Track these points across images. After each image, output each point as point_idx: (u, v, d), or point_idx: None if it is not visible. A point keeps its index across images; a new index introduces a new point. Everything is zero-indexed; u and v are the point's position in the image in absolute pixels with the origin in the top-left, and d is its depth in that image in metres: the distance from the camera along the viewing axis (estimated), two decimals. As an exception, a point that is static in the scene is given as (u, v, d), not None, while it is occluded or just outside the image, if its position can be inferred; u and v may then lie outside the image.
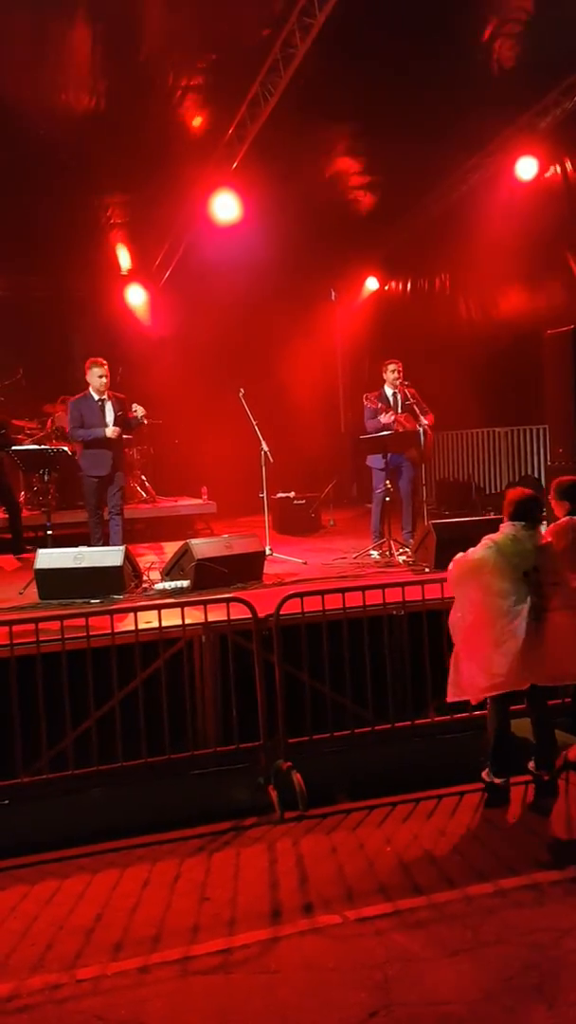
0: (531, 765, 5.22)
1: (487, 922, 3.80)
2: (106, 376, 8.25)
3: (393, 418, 8.73)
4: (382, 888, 4.13)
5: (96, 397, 8.24)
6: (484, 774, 5.14)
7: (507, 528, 5.09)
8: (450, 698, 5.11)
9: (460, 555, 5.14)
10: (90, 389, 8.28)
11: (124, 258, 14.23)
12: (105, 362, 8.33)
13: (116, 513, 8.40)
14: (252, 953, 3.67)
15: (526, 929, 3.72)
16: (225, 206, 11.05)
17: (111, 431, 8.10)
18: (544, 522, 5.75)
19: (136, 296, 14.58)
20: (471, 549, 5.11)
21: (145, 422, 8.45)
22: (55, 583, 6.87)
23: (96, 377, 8.23)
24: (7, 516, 9.74)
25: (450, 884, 4.13)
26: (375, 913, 3.90)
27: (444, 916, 3.87)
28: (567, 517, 5.45)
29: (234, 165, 10.86)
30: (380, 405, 8.84)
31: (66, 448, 8.75)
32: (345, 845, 4.59)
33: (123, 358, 12.15)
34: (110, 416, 8.22)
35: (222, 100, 9.94)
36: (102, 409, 8.23)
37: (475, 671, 4.93)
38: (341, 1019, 3.21)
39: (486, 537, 5.10)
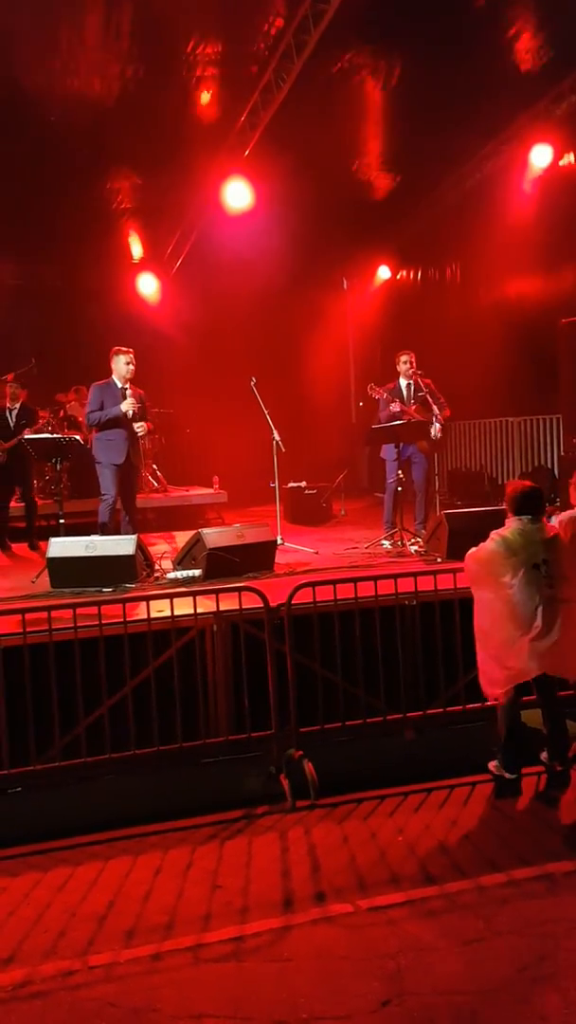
0: (543, 756, 5.21)
1: (500, 912, 3.79)
2: (133, 364, 8.21)
3: (400, 408, 8.69)
4: (394, 877, 4.13)
5: (119, 384, 8.20)
6: (492, 766, 5.13)
7: (513, 523, 5.06)
8: (489, 699, 5.12)
9: (471, 551, 5.13)
10: (113, 376, 8.24)
11: (136, 247, 14.21)
12: (131, 351, 8.29)
13: (134, 501, 8.38)
14: (264, 941, 3.67)
15: (539, 919, 3.71)
16: (237, 194, 11.02)
17: (127, 404, 8.02)
18: (557, 511, 5.72)
19: (147, 285, 14.57)
20: (480, 545, 5.09)
21: (142, 434, 8.41)
22: (68, 572, 6.88)
23: (123, 364, 8.15)
24: (23, 504, 9.77)
25: (462, 874, 4.12)
26: (387, 902, 3.89)
27: (456, 906, 3.86)
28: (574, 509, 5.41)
29: (246, 152, 10.81)
30: (386, 396, 8.80)
31: (78, 437, 8.74)
32: (357, 834, 4.58)
33: (134, 348, 12.11)
34: (129, 402, 8.20)
35: (235, 86, 9.91)
36: (123, 396, 8.20)
37: (493, 665, 4.94)
38: (353, 1008, 3.21)
39: (493, 532, 5.09)
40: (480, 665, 5.05)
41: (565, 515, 5.42)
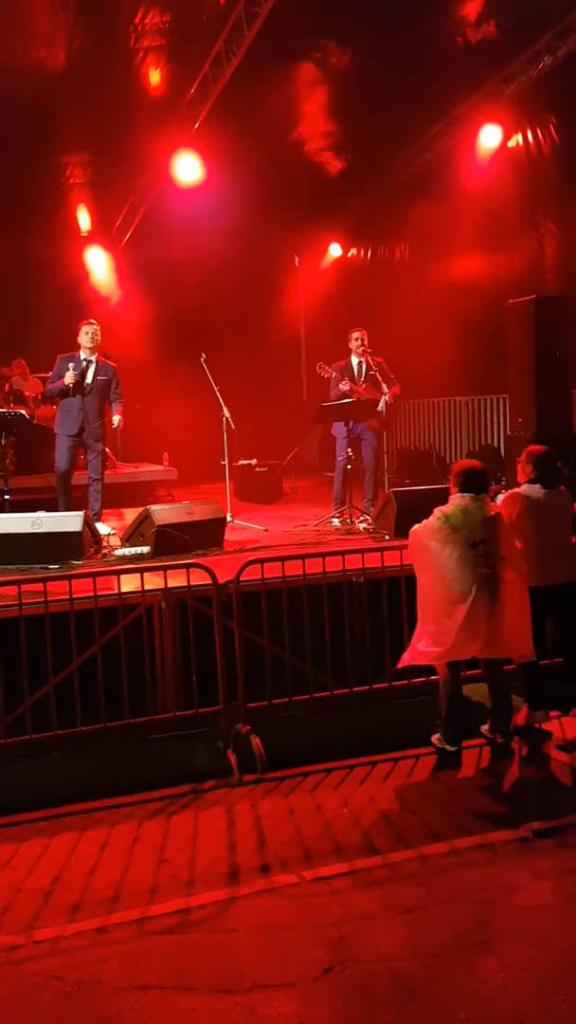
0: (485, 728, 5.32)
1: (441, 881, 3.87)
2: (96, 335, 8.19)
3: (349, 387, 8.72)
4: (338, 848, 4.19)
5: (83, 356, 8.17)
6: (435, 739, 5.23)
7: (456, 500, 5.13)
8: (400, 664, 5.22)
9: (413, 528, 5.20)
10: (81, 349, 8.21)
11: (84, 220, 13.97)
12: (95, 323, 8.28)
13: (95, 479, 8.34)
14: (209, 913, 3.71)
15: (478, 887, 3.81)
16: (187, 167, 10.90)
17: (69, 376, 8.00)
18: (503, 490, 5.80)
19: (96, 259, 14.34)
20: (423, 521, 5.16)
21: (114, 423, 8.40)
22: (12, 548, 6.79)
23: (84, 335, 8.20)
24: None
25: (405, 844, 4.20)
26: (331, 873, 3.96)
27: (399, 875, 3.94)
28: (525, 485, 5.49)
29: (196, 125, 10.68)
30: (336, 374, 8.82)
31: (23, 412, 8.63)
32: (303, 807, 4.64)
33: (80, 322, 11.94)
34: (89, 376, 8.15)
35: (184, 58, 9.77)
36: (83, 369, 8.14)
37: (427, 640, 5.02)
38: (297, 976, 3.27)
39: (436, 509, 5.15)
40: (414, 638, 5.12)
41: (508, 494, 5.51)
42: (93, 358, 8.20)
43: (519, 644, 5.07)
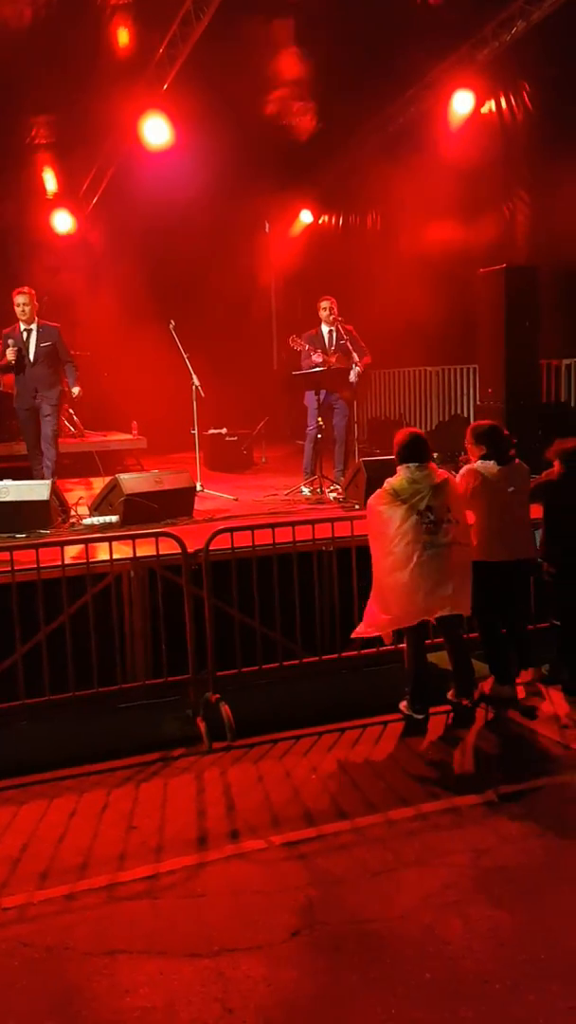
0: (450, 694, 5.37)
1: (408, 844, 3.93)
2: (28, 305, 8.00)
3: (322, 358, 8.67)
4: (307, 814, 4.23)
5: (22, 326, 8.03)
6: (402, 706, 5.29)
7: (401, 471, 5.20)
8: (354, 634, 5.30)
9: (369, 499, 5.24)
10: (19, 320, 8.06)
11: (50, 182, 13.67)
12: (27, 290, 8.06)
13: (44, 440, 8.22)
14: (179, 879, 3.73)
15: (445, 850, 3.87)
16: (155, 130, 10.67)
17: (10, 353, 7.90)
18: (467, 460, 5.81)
19: (62, 222, 14.06)
20: (375, 492, 5.19)
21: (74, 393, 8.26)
22: (-21, 517, 6.72)
23: (15, 306, 8.01)
24: None
25: (373, 809, 4.25)
26: (299, 838, 4.00)
27: (366, 839, 3.99)
28: (479, 462, 5.51)
29: (165, 87, 10.47)
30: (308, 347, 8.76)
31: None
32: (272, 773, 4.67)
33: (48, 287, 11.72)
34: (32, 346, 8.00)
35: (152, 16, 9.55)
36: (25, 338, 8.02)
37: (376, 608, 5.12)
38: (265, 939, 3.31)
39: (386, 480, 5.20)
40: (368, 607, 5.20)
41: (464, 469, 5.54)
42: (33, 326, 8.05)
43: (456, 600, 5.09)
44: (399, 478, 5.15)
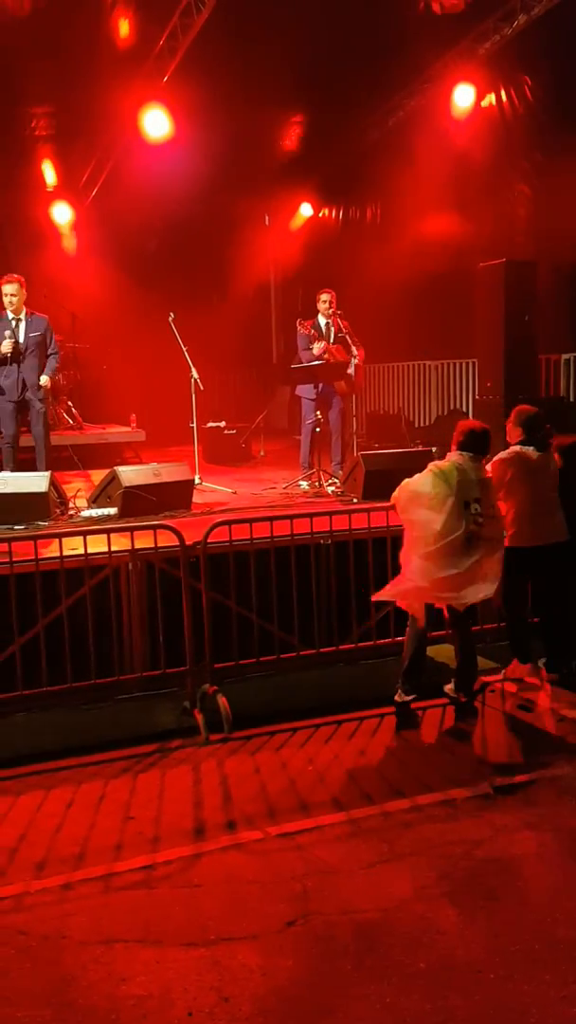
0: (448, 688, 5.39)
1: (403, 836, 3.95)
2: (17, 295, 7.89)
3: (323, 348, 8.67)
4: (303, 805, 4.25)
5: (10, 316, 7.92)
6: (396, 696, 5.30)
7: (454, 456, 5.16)
8: (376, 596, 5.22)
9: (405, 480, 5.20)
10: (6, 310, 7.97)
11: (50, 174, 13.65)
12: (16, 278, 7.93)
13: (38, 438, 8.16)
14: (175, 869, 3.75)
15: (440, 842, 3.88)
16: (155, 122, 10.62)
17: (6, 345, 7.81)
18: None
19: (62, 214, 14.04)
20: (416, 475, 5.16)
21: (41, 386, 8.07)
22: (-23, 509, 6.72)
23: (4, 295, 7.87)
24: None
25: (369, 800, 4.27)
26: (295, 829, 4.02)
27: (362, 831, 4.01)
28: (516, 447, 5.53)
29: (165, 79, 10.44)
30: (313, 332, 8.77)
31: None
32: (268, 765, 4.69)
33: (48, 279, 11.71)
34: (21, 336, 7.92)
35: (153, 8, 9.51)
36: (13, 328, 7.92)
37: (405, 579, 5.05)
38: (260, 928, 3.33)
39: (432, 463, 5.17)
40: (401, 584, 5.10)
41: (506, 453, 5.54)
42: (22, 315, 7.92)
43: (486, 589, 5.13)
44: (448, 463, 5.11)
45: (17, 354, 7.82)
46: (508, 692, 5.53)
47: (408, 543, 5.15)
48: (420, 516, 5.05)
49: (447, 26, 10.35)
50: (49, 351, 8.04)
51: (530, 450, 5.50)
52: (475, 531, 4.98)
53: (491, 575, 5.11)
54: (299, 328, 8.88)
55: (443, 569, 4.95)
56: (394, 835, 3.95)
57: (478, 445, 5.19)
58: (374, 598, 5.31)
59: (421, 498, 5.05)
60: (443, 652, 5.69)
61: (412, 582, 5.04)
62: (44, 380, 7.95)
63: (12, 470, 7.89)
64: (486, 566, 5.06)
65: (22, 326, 7.90)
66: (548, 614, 5.69)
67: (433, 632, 5.43)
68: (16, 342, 7.83)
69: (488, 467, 5.32)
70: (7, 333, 7.80)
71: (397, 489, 5.22)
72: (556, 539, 5.52)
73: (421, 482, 5.10)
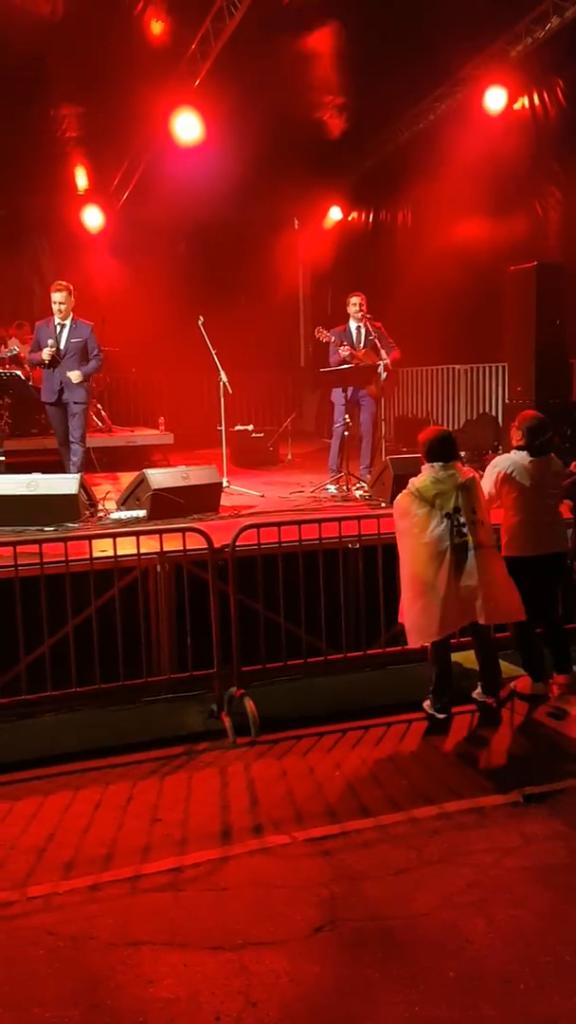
0: (476, 693, 5.35)
1: (431, 843, 3.92)
2: (65, 303, 8.03)
3: (349, 352, 8.65)
4: (330, 810, 4.23)
5: (57, 322, 8.07)
6: (426, 705, 5.26)
7: (426, 470, 5.09)
8: (411, 644, 5.17)
9: (396, 500, 5.17)
10: (55, 315, 8.11)
11: (81, 178, 13.77)
12: (64, 286, 8.11)
13: (73, 441, 8.26)
14: (202, 872, 3.75)
15: (468, 849, 3.85)
16: (186, 125, 10.67)
17: (46, 353, 7.96)
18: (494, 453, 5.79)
19: (93, 218, 14.15)
20: (400, 493, 5.13)
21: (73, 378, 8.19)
22: (8, 510, 6.78)
23: (53, 302, 8.06)
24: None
25: (396, 807, 4.24)
26: (323, 834, 4.00)
27: (390, 837, 3.98)
28: (512, 451, 5.47)
29: (196, 83, 10.48)
30: (335, 339, 8.75)
31: (19, 372, 8.56)
32: (295, 769, 4.68)
33: (78, 282, 11.79)
34: (63, 341, 8.04)
35: (185, 12, 9.56)
36: (57, 334, 8.06)
37: (415, 618, 5.01)
38: (287, 934, 3.31)
39: (410, 481, 5.12)
40: (406, 614, 5.11)
41: (496, 459, 5.50)
42: (67, 321, 8.08)
43: (507, 606, 5.08)
44: (423, 478, 5.07)
45: (56, 360, 7.94)
46: (543, 696, 5.46)
47: (401, 569, 5.12)
48: (406, 537, 5.04)
49: (479, 28, 10.30)
50: (91, 355, 8.14)
51: (523, 455, 5.39)
52: (460, 543, 4.91)
53: (498, 583, 5.02)
54: (318, 336, 8.88)
55: (438, 602, 4.88)
56: (422, 842, 3.92)
57: (445, 452, 5.10)
58: (409, 645, 5.24)
59: (403, 519, 5.04)
60: (471, 657, 5.64)
61: (410, 631, 5.00)
62: (75, 375, 8.00)
63: (68, 471, 7.99)
64: (488, 575, 4.96)
65: (65, 332, 8.03)
66: (551, 622, 5.61)
67: (459, 638, 5.39)
68: (57, 348, 7.95)
69: (467, 469, 5.22)
70: (49, 342, 7.93)
71: (394, 506, 5.21)
72: (557, 548, 5.43)
73: (400, 501, 5.07)
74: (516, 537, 5.34)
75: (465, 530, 4.92)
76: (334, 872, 3.70)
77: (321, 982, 3.06)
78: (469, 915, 3.40)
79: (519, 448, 5.43)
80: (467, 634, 5.34)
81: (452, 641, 5.30)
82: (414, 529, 4.98)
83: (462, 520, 4.93)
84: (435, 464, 5.07)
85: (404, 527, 5.07)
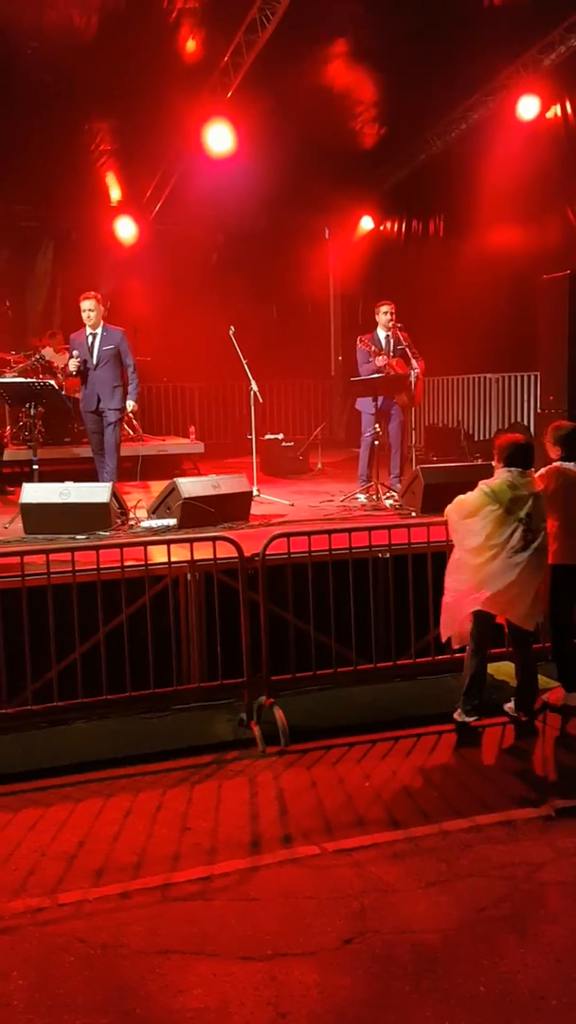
0: (508, 707, 5.30)
1: (462, 856, 3.88)
2: (95, 311, 8.13)
3: (385, 361, 8.64)
4: (360, 821, 4.21)
5: (88, 330, 8.18)
6: (456, 715, 5.22)
7: (502, 473, 5.09)
8: (444, 637, 5.19)
9: (457, 499, 5.15)
10: (86, 325, 8.22)
11: (114, 189, 13.90)
12: (93, 295, 8.21)
13: (109, 453, 8.35)
14: (231, 881, 3.75)
15: (500, 863, 3.81)
16: (219, 137, 10.75)
17: (72, 363, 8.10)
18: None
19: (125, 229, 14.26)
20: (467, 494, 5.11)
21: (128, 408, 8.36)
22: (41, 518, 6.85)
23: (82, 310, 8.16)
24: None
25: (426, 819, 4.21)
26: (353, 845, 3.98)
27: (420, 849, 3.95)
28: (557, 463, 5.44)
29: (229, 94, 10.56)
30: (373, 348, 8.76)
31: (53, 382, 8.65)
32: (325, 779, 4.66)
33: (111, 292, 11.90)
34: (96, 349, 8.14)
35: (218, 25, 9.65)
36: (89, 343, 8.16)
37: (462, 602, 5.01)
38: (317, 945, 3.30)
39: (481, 482, 5.11)
40: (447, 606, 5.11)
41: (548, 468, 5.46)
42: (98, 330, 8.18)
43: (533, 611, 5.06)
44: (498, 481, 5.04)
45: (86, 369, 8.06)
46: (572, 710, 5.40)
47: (453, 562, 5.12)
48: (469, 535, 5.01)
49: (513, 37, 10.29)
50: (126, 363, 8.23)
51: (571, 466, 5.39)
52: (525, 545, 4.91)
53: (540, 589, 5.05)
54: (359, 345, 8.88)
55: (495, 581, 4.90)
56: (453, 855, 3.89)
57: (524, 459, 5.11)
58: (443, 639, 5.25)
59: (472, 516, 5.01)
60: (503, 670, 5.60)
61: (459, 592, 5.01)
62: (131, 405, 8.25)
63: (102, 479, 8.08)
64: (528, 579, 4.96)
65: (96, 340, 8.12)
66: None
67: (494, 650, 5.35)
68: (85, 362, 8.06)
69: (538, 479, 5.23)
70: (75, 353, 8.06)
71: (449, 506, 5.19)
72: None
73: (470, 500, 5.06)
74: (561, 545, 5.32)
75: (531, 536, 4.94)
76: (364, 884, 3.68)
77: (351, 994, 3.04)
78: (501, 930, 3.37)
79: (563, 459, 5.42)
80: (506, 645, 5.29)
81: (490, 652, 5.25)
82: (481, 529, 4.94)
83: (533, 527, 4.95)
84: (513, 469, 5.07)
85: (469, 523, 5.03)
